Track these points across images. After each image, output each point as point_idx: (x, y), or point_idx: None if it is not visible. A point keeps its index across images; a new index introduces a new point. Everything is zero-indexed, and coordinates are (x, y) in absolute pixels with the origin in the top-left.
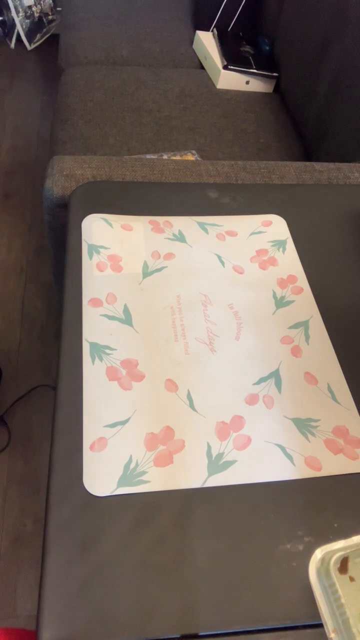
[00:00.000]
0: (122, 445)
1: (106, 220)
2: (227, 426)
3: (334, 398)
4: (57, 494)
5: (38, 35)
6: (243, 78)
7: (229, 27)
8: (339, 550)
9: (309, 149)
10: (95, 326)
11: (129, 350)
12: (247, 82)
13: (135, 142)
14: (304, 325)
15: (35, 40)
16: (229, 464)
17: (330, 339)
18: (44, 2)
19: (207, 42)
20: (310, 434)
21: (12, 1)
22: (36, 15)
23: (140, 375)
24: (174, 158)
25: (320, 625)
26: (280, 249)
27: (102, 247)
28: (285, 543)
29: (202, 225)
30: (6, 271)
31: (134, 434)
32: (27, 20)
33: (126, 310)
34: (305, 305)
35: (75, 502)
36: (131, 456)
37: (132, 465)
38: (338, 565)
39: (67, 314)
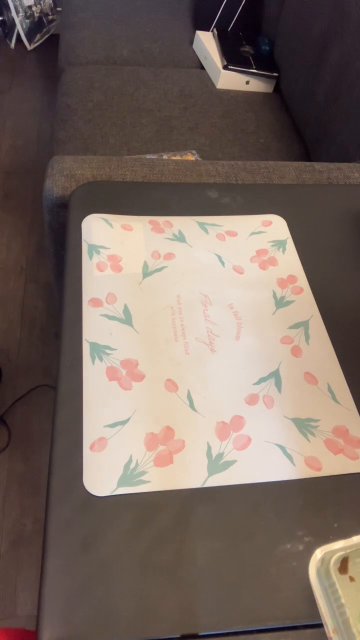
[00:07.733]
0: (122, 445)
1: (106, 220)
2: (227, 426)
3: (334, 398)
4: (57, 494)
5: (38, 35)
6: (243, 78)
7: (229, 27)
8: (339, 550)
9: (309, 149)
10: (95, 326)
11: (129, 350)
12: (247, 82)
13: (135, 142)
14: (304, 325)
15: (35, 40)
16: (229, 464)
17: (330, 339)
18: (44, 2)
19: (207, 42)
20: (310, 434)
21: (12, 1)
22: (36, 15)
23: (140, 375)
24: (174, 158)
25: (320, 625)
26: (280, 249)
27: (102, 247)
28: (285, 543)
29: (202, 225)
30: (6, 271)
31: (134, 434)
32: (27, 20)
33: (126, 310)
34: (305, 305)
35: (75, 502)
36: (131, 456)
37: (132, 465)
38: (338, 565)
39: (67, 314)
